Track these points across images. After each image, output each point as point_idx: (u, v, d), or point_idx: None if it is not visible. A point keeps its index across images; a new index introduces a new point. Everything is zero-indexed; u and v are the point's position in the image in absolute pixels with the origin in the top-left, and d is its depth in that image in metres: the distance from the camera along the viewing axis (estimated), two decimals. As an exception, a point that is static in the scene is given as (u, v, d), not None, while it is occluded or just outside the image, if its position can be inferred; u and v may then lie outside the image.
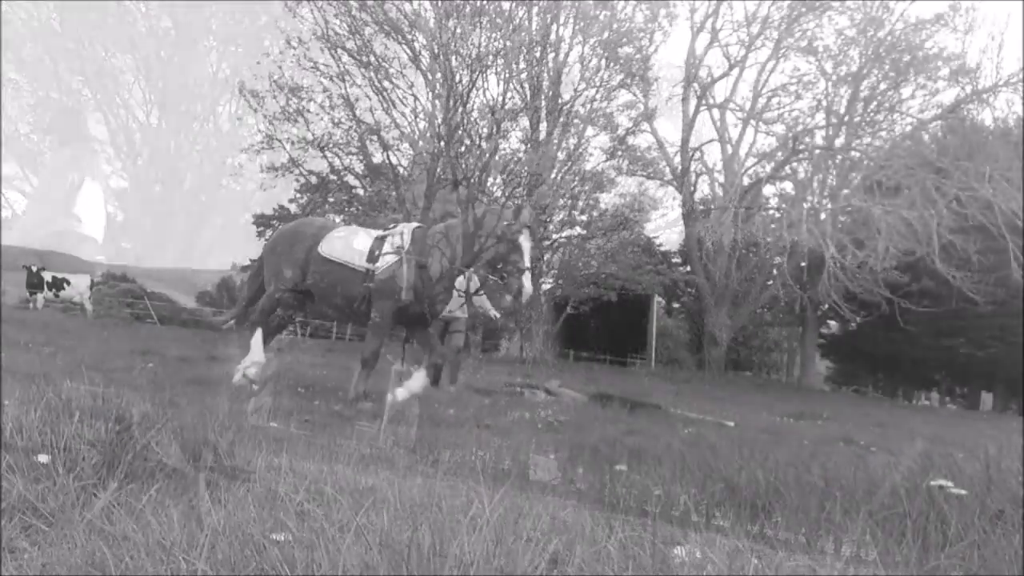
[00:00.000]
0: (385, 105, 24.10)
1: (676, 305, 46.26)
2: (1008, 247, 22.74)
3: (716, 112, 31.64)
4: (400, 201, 23.84)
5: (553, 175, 24.82)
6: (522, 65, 24.63)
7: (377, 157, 25.56)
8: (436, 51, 22.70)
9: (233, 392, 5.29)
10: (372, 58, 23.62)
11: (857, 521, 2.13)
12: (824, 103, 29.47)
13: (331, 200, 26.42)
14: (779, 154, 28.94)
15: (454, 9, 22.47)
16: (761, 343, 47.55)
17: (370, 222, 19.37)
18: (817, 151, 28.73)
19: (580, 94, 25.58)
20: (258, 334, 6.34)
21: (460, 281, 6.33)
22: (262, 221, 39.81)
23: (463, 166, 23.11)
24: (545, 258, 26.40)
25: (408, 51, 23.88)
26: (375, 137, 24.52)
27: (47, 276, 20.48)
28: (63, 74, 70.97)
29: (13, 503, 1.69)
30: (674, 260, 38.06)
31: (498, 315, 9.03)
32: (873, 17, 27.68)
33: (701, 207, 32.48)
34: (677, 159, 31.59)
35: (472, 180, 23.09)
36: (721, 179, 32.03)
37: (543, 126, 25.75)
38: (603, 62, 25.17)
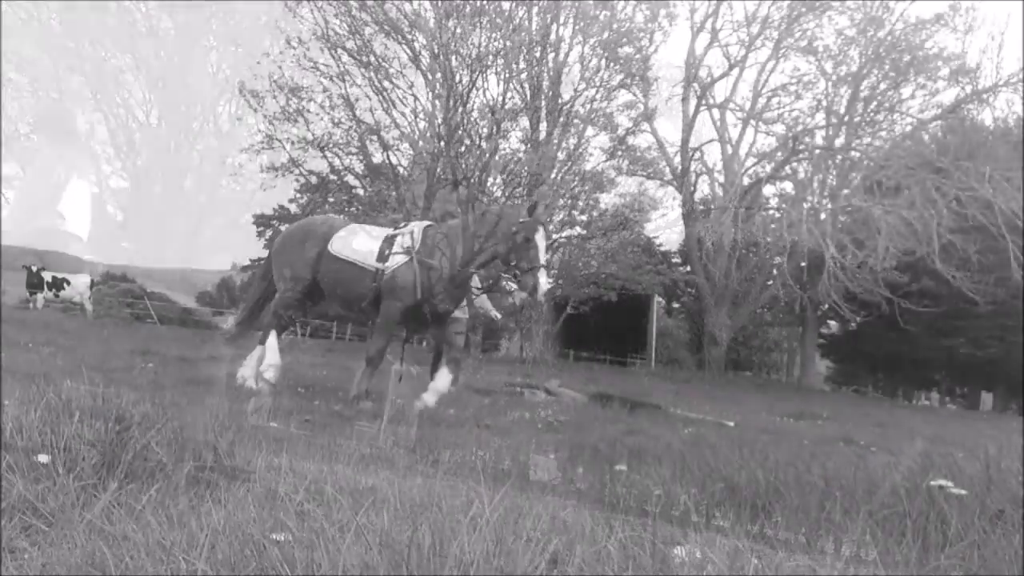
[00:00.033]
0: (385, 105, 24.10)
1: (676, 305, 46.29)
2: (1008, 247, 22.72)
3: (716, 112, 31.66)
4: (400, 201, 23.83)
5: (553, 175, 24.80)
6: (522, 65, 24.62)
7: (377, 157, 25.57)
8: (436, 51, 22.69)
9: (233, 392, 5.29)
10: (372, 58, 23.62)
11: (857, 521, 2.13)
12: (824, 103, 29.47)
13: (331, 200, 26.42)
14: (779, 154, 28.92)
15: (454, 9, 22.47)
16: (761, 343, 47.55)
17: (370, 222, 19.33)
18: (817, 151, 28.72)
19: (580, 94, 25.57)
20: (273, 336, 6.31)
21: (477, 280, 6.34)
22: (262, 221, 39.86)
23: (463, 166, 23.10)
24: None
25: (408, 51, 23.88)
26: (375, 137, 24.52)
27: (47, 276, 20.49)
28: (63, 74, 70.96)
29: (13, 503, 1.69)
30: (674, 260, 38.07)
31: (499, 316, 9.04)
32: (873, 17, 27.67)
33: (701, 207, 32.48)
34: (677, 159, 31.61)
35: (472, 180, 23.09)
36: (721, 179, 32.03)
37: (543, 126, 25.73)
38: (603, 62, 25.15)
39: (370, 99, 24.30)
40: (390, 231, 6.29)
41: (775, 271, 31.87)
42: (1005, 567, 1.82)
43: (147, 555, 1.43)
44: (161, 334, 15.93)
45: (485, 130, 23.73)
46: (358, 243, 6.15)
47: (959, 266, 24.24)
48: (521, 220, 5.66)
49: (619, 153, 27.48)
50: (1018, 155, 23.06)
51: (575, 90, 25.59)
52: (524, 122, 26.03)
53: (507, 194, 23.86)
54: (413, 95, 24.26)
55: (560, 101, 25.63)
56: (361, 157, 25.82)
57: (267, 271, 6.86)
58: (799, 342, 39.52)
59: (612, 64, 25.12)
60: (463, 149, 23.39)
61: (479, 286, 6.57)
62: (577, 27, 25.30)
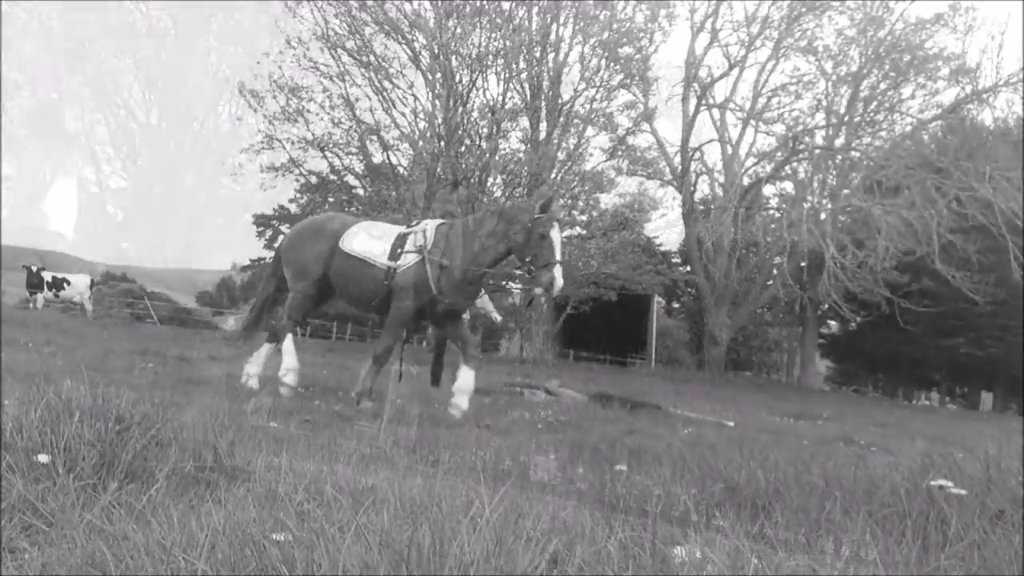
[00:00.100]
0: (385, 105, 24.10)
1: (676, 305, 46.34)
2: (1008, 247, 22.75)
3: (716, 112, 31.67)
4: (400, 201, 23.83)
5: (553, 175, 24.80)
6: (522, 65, 24.62)
7: (377, 157, 25.56)
8: (436, 51, 22.69)
9: (233, 392, 5.29)
10: (372, 58, 23.62)
11: (857, 521, 2.13)
12: (824, 103, 29.49)
13: (331, 200, 26.41)
14: (779, 154, 28.94)
15: (454, 9, 22.47)
16: (761, 343, 47.60)
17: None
18: (817, 151, 28.73)
19: (580, 94, 25.57)
20: (290, 339, 6.28)
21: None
22: (262, 221, 39.90)
23: (463, 166, 23.10)
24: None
25: (408, 51, 23.89)
26: (375, 137, 24.51)
27: (47, 276, 20.51)
28: (63, 74, 71.03)
29: (13, 503, 1.69)
30: (674, 260, 38.10)
31: (499, 317, 9.05)
32: (873, 17, 27.69)
33: (701, 207, 32.52)
34: (677, 159, 31.62)
35: (472, 180, 23.09)
36: (721, 179, 32.05)
37: (543, 126, 25.73)
38: (603, 62, 25.14)
39: (370, 99, 24.35)
40: (402, 229, 6.25)
41: (775, 271, 31.89)
42: (1005, 567, 1.82)
43: (147, 555, 1.43)
44: (161, 334, 15.94)
45: (485, 130, 23.73)
46: (370, 240, 6.11)
47: (959, 266, 24.26)
48: (536, 216, 5.66)
49: (619, 153, 27.48)
50: (1018, 155, 23.09)
51: (575, 90, 25.59)
52: (524, 122, 26.03)
53: (507, 194, 23.84)
54: (413, 95, 24.30)
55: (560, 101, 25.63)
56: (361, 157, 25.82)
57: (275, 270, 6.81)
58: (799, 342, 39.55)
59: (612, 64, 25.11)
60: (463, 149, 23.38)
61: (491, 283, 6.57)
62: (577, 27, 25.30)
